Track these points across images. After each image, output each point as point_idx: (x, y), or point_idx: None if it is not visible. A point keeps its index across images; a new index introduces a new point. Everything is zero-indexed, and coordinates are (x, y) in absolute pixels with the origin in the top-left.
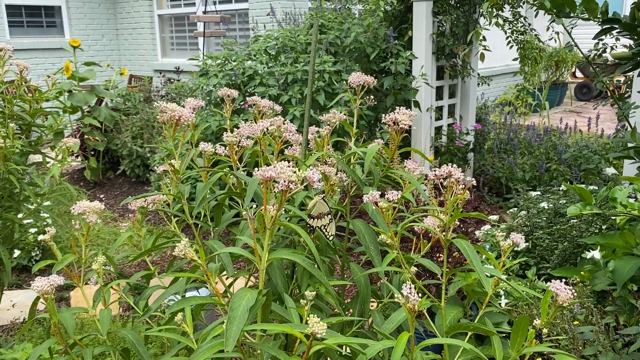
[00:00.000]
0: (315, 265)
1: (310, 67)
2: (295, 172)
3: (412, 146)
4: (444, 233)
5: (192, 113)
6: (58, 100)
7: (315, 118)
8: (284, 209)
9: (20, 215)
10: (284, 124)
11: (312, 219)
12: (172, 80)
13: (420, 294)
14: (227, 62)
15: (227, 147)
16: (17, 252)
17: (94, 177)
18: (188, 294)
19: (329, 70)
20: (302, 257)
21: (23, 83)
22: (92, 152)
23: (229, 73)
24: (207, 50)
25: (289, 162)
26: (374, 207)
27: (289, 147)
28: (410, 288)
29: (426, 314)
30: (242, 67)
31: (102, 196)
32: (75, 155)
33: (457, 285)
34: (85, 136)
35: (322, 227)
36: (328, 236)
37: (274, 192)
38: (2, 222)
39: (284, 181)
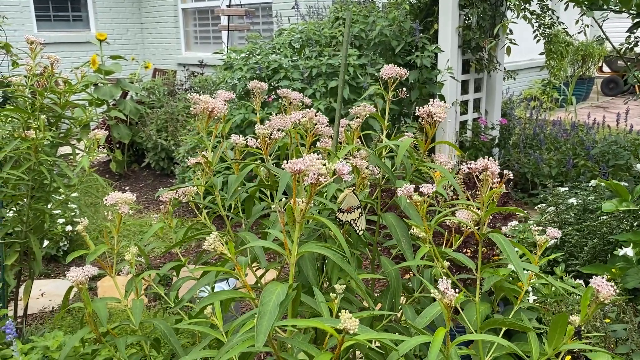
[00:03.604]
0: (346, 259)
1: (342, 58)
2: (325, 165)
3: (437, 140)
4: (478, 227)
5: (224, 105)
6: (87, 92)
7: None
8: (315, 201)
9: (49, 206)
10: (315, 115)
11: (341, 213)
12: (196, 74)
13: (456, 289)
14: (251, 55)
15: (259, 139)
16: (46, 242)
17: (119, 169)
18: (217, 285)
19: (353, 64)
20: (332, 251)
21: (53, 75)
22: (118, 145)
23: (253, 66)
24: (230, 44)
25: (318, 155)
26: (407, 201)
27: (319, 139)
28: (446, 283)
29: (460, 308)
30: (267, 60)
31: (127, 188)
32: (102, 147)
33: (491, 280)
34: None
35: (352, 221)
36: (358, 230)
37: (304, 185)
38: (33, 213)
39: (314, 174)
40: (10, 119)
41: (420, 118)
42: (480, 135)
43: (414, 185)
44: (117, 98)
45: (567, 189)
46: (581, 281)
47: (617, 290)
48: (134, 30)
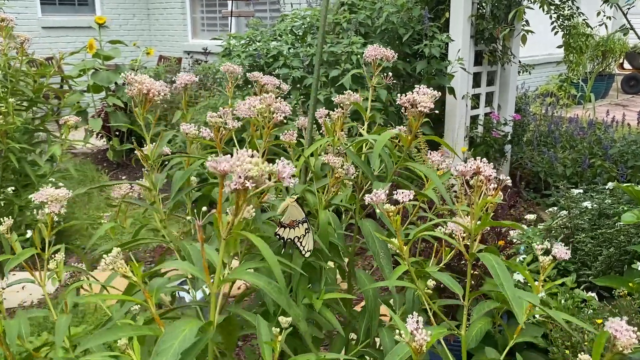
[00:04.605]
0: (317, 278)
1: (320, 33)
2: (257, 165)
3: (445, 136)
4: (469, 242)
5: (165, 88)
6: (72, 80)
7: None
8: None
9: (32, 195)
10: (275, 101)
11: (282, 229)
12: (200, 61)
13: (437, 316)
14: (251, 42)
15: (212, 130)
16: (29, 233)
17: (116, 158)
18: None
19: (357, 52)
20: (266, 280)
21: (25, 56)
22: (116, 133)
23: (252, 53)
24: (237, 31)
25: (252, 154)
26: (378, 210)
27: (286, 132)
28: (417, 322)
29: (441, 341)
30: (267, 47)
31: (124, 177)
32: (99, 135)
33: (483, 309)
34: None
35: (296, 239)
36: (304, 251)
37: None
38: (3, 202)
39: (239, 177)
40: None
41: (403, 108)
42: (492, 131)
43: (385, 191)
44: (119, 84)
45: (581, 191)
46: (594, 294)
47: (635, 307)
48: (141, 16)
